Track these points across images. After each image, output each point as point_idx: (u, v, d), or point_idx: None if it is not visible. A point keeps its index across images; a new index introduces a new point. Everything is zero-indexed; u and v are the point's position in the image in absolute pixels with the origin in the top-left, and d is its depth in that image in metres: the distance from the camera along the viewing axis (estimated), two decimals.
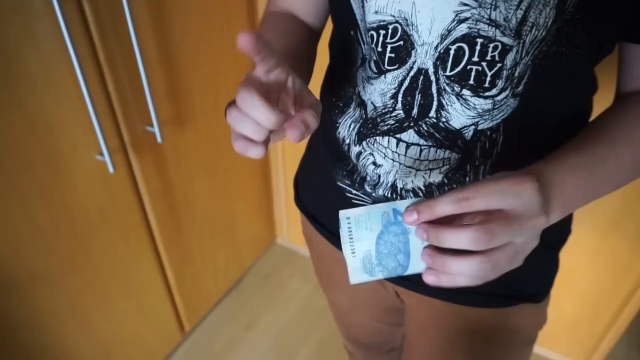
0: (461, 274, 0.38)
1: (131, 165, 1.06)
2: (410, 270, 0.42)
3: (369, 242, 0.42)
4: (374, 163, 0.55)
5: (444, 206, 0.37)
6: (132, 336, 1.27)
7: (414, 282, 0.62)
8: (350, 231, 0.42)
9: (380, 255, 0.42)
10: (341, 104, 0.57)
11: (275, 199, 1.76)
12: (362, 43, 0.52)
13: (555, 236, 0.61)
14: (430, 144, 0.50)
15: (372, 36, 0.49)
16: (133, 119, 1.02)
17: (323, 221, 0.69)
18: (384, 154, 0.53)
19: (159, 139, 1.05)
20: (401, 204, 0.41)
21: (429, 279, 0.40)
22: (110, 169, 0.95)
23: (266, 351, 1.52)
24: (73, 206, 0.96)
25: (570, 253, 1.21)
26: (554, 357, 1.45)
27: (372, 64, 0.51)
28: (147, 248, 1.20)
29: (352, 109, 0.56)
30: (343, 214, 0.42)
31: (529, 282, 0.61)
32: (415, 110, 0.49)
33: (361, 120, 0.54)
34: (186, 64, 1.12)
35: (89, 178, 0.97)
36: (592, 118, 0.54)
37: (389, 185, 0.54)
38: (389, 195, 0.55)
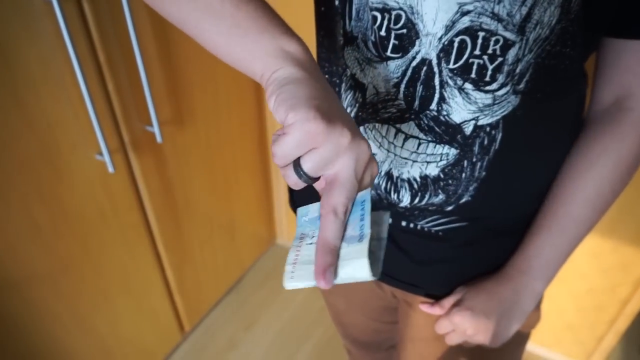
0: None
1: (131, 165, 1.06)
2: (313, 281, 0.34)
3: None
4: None
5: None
6: (132, 336, 1.27)
7: (410, 284, 0.62)
8: (303, 234, 0.38)
9: (303, 259, 0.36)
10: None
11: (275, 199, 1.76)
12: (349, 18, 0.50)
13: None
14: (429, 138, 0.50)
15: (374, 17, 0.47)
16: (133, 119, 1.02)
17: None
18: (380, 143, 0.53)
19: (158, 139, 1.05)
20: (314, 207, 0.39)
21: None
22: (110, 169, 0.95)
23: (266, 351, 1.52)
24: (73, 206, 0.96)
25: None
26: (554, 357, 1.45)
27: (371, 46, 0.49)
28: (147, 248, 1.20)
29: (343, 91, 0.54)
30: (300, 210, 0.39)
31: None
32: (416, 102, 0.49)
33: (357, 105, 0.53)
34: (186, 64, 1.12)
35: (89, 178, 0.97)
36: (584, 114, 0.56)
37: (383, 173, 0.54)
38: (385, 184, 0.55)
